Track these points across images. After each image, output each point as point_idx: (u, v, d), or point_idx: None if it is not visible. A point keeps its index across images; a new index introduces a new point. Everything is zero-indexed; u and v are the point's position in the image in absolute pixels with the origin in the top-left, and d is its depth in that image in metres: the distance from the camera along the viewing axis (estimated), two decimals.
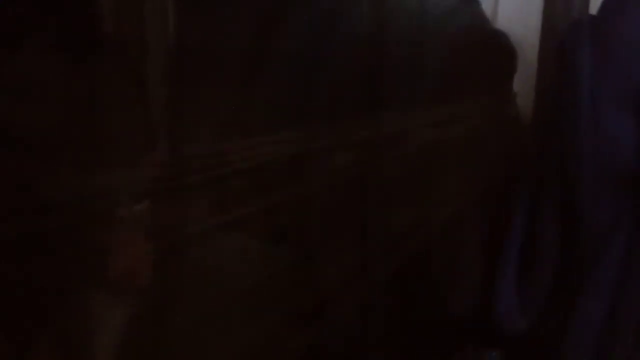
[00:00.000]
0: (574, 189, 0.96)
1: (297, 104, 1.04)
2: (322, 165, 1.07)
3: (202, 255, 0.92)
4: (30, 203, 0.74)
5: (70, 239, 0.79)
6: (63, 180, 0.78)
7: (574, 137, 0.95)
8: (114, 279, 0.84)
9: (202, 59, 0.90)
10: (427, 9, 1.30)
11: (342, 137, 1.10)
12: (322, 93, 1.05)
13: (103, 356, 0.85)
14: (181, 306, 0.90)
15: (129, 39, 0.84)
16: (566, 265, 0.98)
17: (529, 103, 1.40)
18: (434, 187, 1.21)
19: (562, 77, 1.02)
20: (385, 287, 1.10)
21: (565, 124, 0.97)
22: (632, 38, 0.93)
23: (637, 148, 0.92)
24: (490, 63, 1.44)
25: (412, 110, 1.25)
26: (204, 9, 0.92)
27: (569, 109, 0.97)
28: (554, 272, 0.99)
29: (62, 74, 0.77)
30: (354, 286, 1.10)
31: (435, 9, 1.33)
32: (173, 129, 0.88)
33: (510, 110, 1.43)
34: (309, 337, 1.04)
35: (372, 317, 1.09)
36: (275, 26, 1.00)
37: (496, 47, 1.44)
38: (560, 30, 1.19)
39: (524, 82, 1.43)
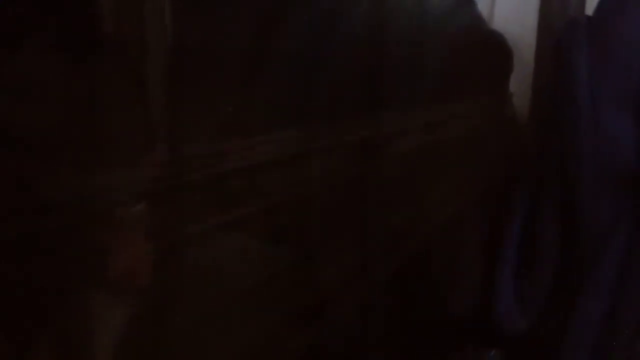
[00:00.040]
0: (574, 189, 0.96)
1: (296, 103, 1.04)
2: (321, 165, 1.07)
3: (201, 255, 0.92)
4: (30, 203, 0.74)
5: (70, 239, 0.79)
6: (63, 180, 0.77)
7: (573, 137, 0.95)
8: (113, 279, 0.84)
9: (201, 58, 0.90)
10: (423, 9, 1.30)
11: (341, 136, 1.10)
12: (320, 92, 1.05)
13: (103, 356, 0.85)
14: (180, 306, 0.90)
15: (128, 39, 0.84)
16: (566, 265, 0.98)
17: (526, 103, 1.40)
18: (433, 187, 1.21)
19: (559, 77, 1.02)
20: (385, 287, 1.10)
21: (564, 124, 0.98)
22: (632, 38, 0.94)
23: (637, 148, 0.92)
24: (487, 63, 1.44)
25: (409, 110, 1.25)
26: (202, 8, 0.92)
27: (568, 109, 0.97)
28: (554, 272, 0.99)
29: (61, 73, 0.77)
30: (354, 286, 1.10)
31: (431, 9, 1.33)
32: (172, 128, 0.88)
33: (507, 110, 1.43)
34: (309, 337, 1.04)
35: (371, 316, 1.09)
36: (274, 25, 1.00)
37: (493, 47, 1.44)
38: (557, 30, 1.19)
39: (520, 82, 1.43)
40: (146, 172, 0.85)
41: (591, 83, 0.94)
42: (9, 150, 0.73)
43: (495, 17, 1.48)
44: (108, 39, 0.82)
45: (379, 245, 1.10)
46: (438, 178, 1.22)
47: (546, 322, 0.99)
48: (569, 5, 1.43)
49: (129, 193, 0.84)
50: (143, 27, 0.85)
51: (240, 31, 0.95)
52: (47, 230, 0.76)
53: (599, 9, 1.01)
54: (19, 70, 0.74)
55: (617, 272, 0.93)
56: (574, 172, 0.96)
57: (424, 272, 1.12)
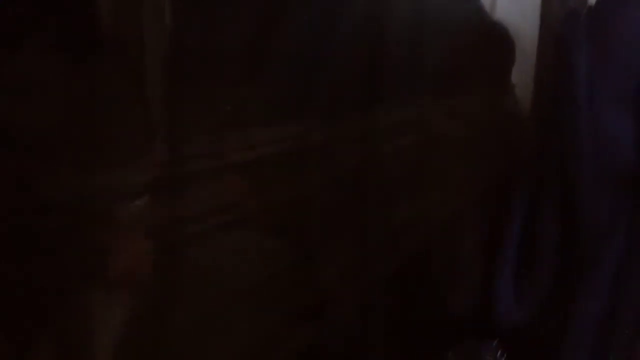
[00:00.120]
0: (574, 189, 0.96)
1: (295, 99, 1.04)
2: (320, 160, 1.07)
3: (200, 252, 0.93)
4: (30, 202, 0.74)
5: (70, 237, 0.79)
6: (63, 179, 0.78)
7: (573, 137, 0.95)
8: (113, 276, 0.84)
9: (200, 56, 0.90)
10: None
11: (339, 130, 1.09)
12: (315, 90, 1.05)
13: (104, 354, 0.85)
14: (177, 304, 0.91)
15: (128, 38, 0.84)
16: (566, 265, 0.98)
17: (528, 94, 1.39)
18: (435, 178, 1.21)
19: (558, 75, 1.02)
20: (385, 284, 1.10)
21: (564, 124, 0.98)
22: (632, 38, 0.94)
23: (637, 148, 0.93)
24: (488, 54, 1.44)
25: (409, 102, 1.24)
26: (201, 6, 0.92)
27: (567, 109, 0.97)
28: (554, 272, 0.99)
29: (61, 73, 0.77)
30: (354, 282, 1.11)
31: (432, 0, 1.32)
32: (172, 127, 0.88)
33: (509, 101, 1.43)
34: (308, 334, 1.05)
35: (371, 314, 1.10)
36: (273, 22, 1.00)
37: (494, 38, 1.44)
38: (559, 21, 1.19)
39: (522, 74, 1.42)
40: (145, 170, 0.85)
41: (591, 83, 0.94)
42: (10, 150, 0.73)
43: (497, 8, 1.47)
44: (108, 39, 0.82)
45: (377, 243, 1.10)
46: (441, 168, 1.22)
47: (546, 322, 0.99)
48: None
49: (129, 190, 0.84)
50: (142, 27, 0.85)
51: (238, 28, 0.95)
52: (47, 229, 0.76)
53: (600, 5, 1.01)
54: (19, 70, 0.74)
55: (617, 272, 0.94)
56: (574, 172, 0.96)
57: (422, 271, 1.12)
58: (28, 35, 0.75)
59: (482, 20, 1.43)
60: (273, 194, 0.99)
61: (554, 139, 1.00)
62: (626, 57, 0.94)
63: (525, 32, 1.42)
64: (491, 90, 1.41)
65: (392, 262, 1.10)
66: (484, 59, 1.41)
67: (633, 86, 0.93)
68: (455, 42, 1.32)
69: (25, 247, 0.76)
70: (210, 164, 0.92)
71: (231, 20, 0.93)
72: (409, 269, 1.10)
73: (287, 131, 1.01)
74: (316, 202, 1.05)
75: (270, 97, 0.99)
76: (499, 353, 1.03)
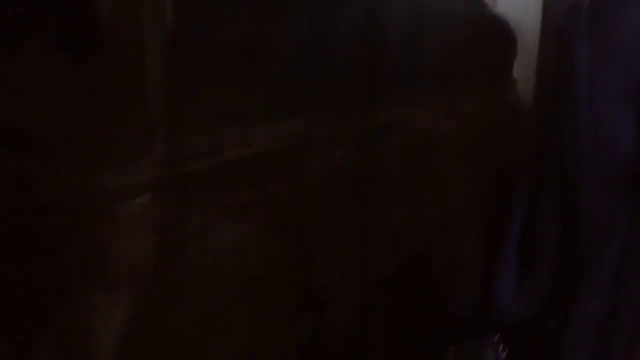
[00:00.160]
0: (574, 189, 0.96)
1: (295, 98, 1.04)
2: (320, 157, 1.07)
3: (200, 249, 0.93)
4: (31, 202, 0.74)
5: (73, 236, 0.79)
6: (64, 178, 0.78)
7: (573, 134, 0.95)
8: (115, 273, 0.84)
9: (200, 55, 0.90)
10: None
11: (340, 127, 1.09)
12: (315, 89, 1.05)
13: (108, 347, 0.85)
14: (177, 301, 0.91)
15: (128, 38, 0.84)
16: (566, 264, 0.98)
17: (530, 89, 1.39)
18: (439, 172, 1.21)
19: (560, 68, 1.02)
20: (386, 283, 1.10)
21: (564, 120, 0.98)
22: (632, 38, 0.93)
23: (637, 147, 0.92)
24: (490, 49, 1.43)
25: (412, 98, 1.24)
26: (201, 4, 0.92)
27: (569, 103, 0.97)
28: (554, 271, 0.99)
29: (62, 73, 0.77)
30: (355, 281, 1.11)
31: None
32: (172, 125, 0.89)
33: (511, 98, 1.42)
34: (309, 332, 1.05)
35: (372, 313, 1.10)
36: (274, 20, 1.00)
37: (496, 32, 1.43)
38: (561, 15, 1.18)
39: (524, 68, 1.42)
40: (146, 168, 0.86)
41: (591, 82, 0.94)
42: (14, 148, 0.73)
43: (499, 2, 1.47)
44: (108, 39, 0.82)
45: (377, 242, 1.10)
46: (444, 163, 1.22)
47: (546, 322, 0.99)
48: None
49: (130, 188, 0.85)
50: (141, 26, 0.85)
51: (238, 26, 0.95)
52: (49, 228, 0.76)
53: (600, 3, 1.00)
54: (21, 70, 0.74)
55: (617, 272, 0.94)
56: (574, 172, 0.96)
57: (423, 271, 1.13)
58: (29, 35, 0.75)
59: (484, 15, 1.42)
60: (273, 191, 1.00)
61: (554, 138, 1.00)
62: (626, 56, 0.94)
63: (527, 26, 1.42)
64: (493, 86, 1.41)
65: (393, 262, 1.11)
66: (486, 54, 1.41)
67: (633, 85, 0.93)
68: (456, 37, 1.31)
69: (26, 246, 0.76)
70: (210, 159, 0.92)
71: (231, 19, 0.93)
72: (410, 268, 1.11)
73: (287, 129, 1.01)
74: (316, 201, 1.05)
75: (272, 95, 0.99)
76: (500, 348, 1.04)
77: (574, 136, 0.96)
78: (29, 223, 0.76)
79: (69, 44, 0.79)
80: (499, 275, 1.02)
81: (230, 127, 0.94)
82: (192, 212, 0.92)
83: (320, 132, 1.07)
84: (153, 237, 0.90)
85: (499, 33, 1.44)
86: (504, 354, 1.04)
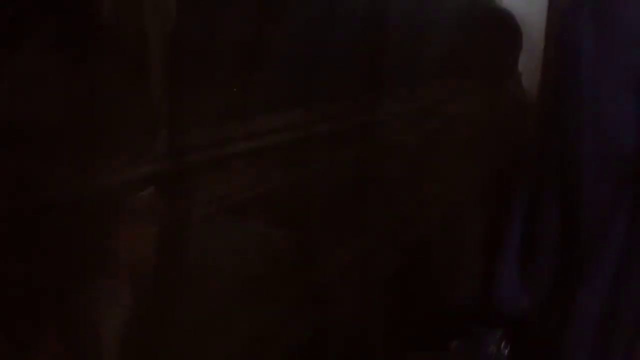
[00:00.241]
0: (574, 189, 0.96)
1: (296, 92, 1.04)
2: (320, 152, 1.07)
3: (203, 243, 0.93)
4: (34, 198, 0.75)
5: (79, 228, 0.79)
6: (69, 172, 0.78)
7: (574, 136, 0.95)
8: (120, 263, 0.84)
9: (199, 51, 0.90)
10: None
11: (342, 120, 1.09)
12: (315, 81, 1.05)
13: (115, 339, 0.86)
14: (176, 299, 0.91)
15: (129, 34, 0.84)
16: (566, 263, 0.98)
17: (535, 83, 1.39)
18: (448, 158, 1.21)
19: (562, 71, 1.02)
20: (390, 278, 1.11)
21: (565, 122, 0.98)
22: (636, 30, 0.93)
23: (637, 139, 0.92)
24: (496, 42, 1.43)
25: (414, 91, 1.24)
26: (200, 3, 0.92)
27: (570, 106, 0.97)
28: (554, 270, 0.99)
29: (64, 70, 0.77)
30: (358, 275, 1.11)
31: None
32: (173, 120, 0.89)
33: (516, 89, 1.42)
34: (309, 329, 1.05)
35: (377, 307, 1.10)
36: (274, 15, 1.00)
37: (501, 26, 1.43)
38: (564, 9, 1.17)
39: (529, 61, 1.42)
40: (149, 162, 0.86)
41: (594, 81, 0.94)
42: (19, 143, 0.73)
43: None
44: (108, 36, 0.82)
45: (380, 237, 1.11)
46: (452, 151, 1.22)
47: (547, 321, 0.99)
48: None
49: (134, 182, 0.85)
50: (142, 23, 0.85)
51: (239, 23, 0.95)
52: (54, 221, 0.77)
53: None
54: (28, 68, 0.75)
55: (617, 271, 0.93)
56: (575, 172, 0.96)
57: (425, 269, 1.13)
58: (30, 35, 0.75)
59: (489, 8, 1.42)
60: (275, 184, 1.00)
61: (555, 137, 1.00)
62: (629, 48, 0.93)
63: (533, 19, 1.41)
64: (497, 80, 1.40)
65: (396, 257, 1.11)
66: (492, 46, 1.40)
67: (635, 83, 0.92)
68: (462, 31, 1.31)
69: (29, 240, 0.76)
70: (211, 153, 0.93)
71: (231, 14, 0.93)
72: (413, 265, 1.11)
73: (290, 121, 1.01)
74: (317, 195, 1.05)
75: (276, 86, 0.99)
76: (503, 344, 1.04)
77: (575, 136, 0.96)
78: (34, 217, 0.76)
79: (72, 39, 0.79)
80: (499, 274, 1.02)
81: (233, 120, 0.94)
82: (194, 205, 0.92)
83: (322, 126, 1.07)
84: (156, 229, 0.90)
85: (504, 27, 1.43)
86: (506, 351, 1.04)
